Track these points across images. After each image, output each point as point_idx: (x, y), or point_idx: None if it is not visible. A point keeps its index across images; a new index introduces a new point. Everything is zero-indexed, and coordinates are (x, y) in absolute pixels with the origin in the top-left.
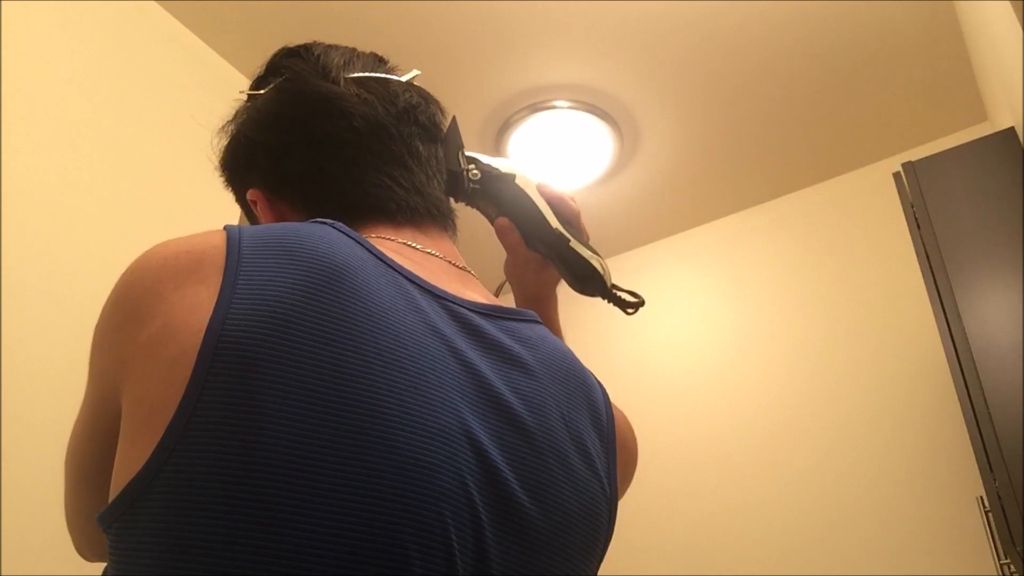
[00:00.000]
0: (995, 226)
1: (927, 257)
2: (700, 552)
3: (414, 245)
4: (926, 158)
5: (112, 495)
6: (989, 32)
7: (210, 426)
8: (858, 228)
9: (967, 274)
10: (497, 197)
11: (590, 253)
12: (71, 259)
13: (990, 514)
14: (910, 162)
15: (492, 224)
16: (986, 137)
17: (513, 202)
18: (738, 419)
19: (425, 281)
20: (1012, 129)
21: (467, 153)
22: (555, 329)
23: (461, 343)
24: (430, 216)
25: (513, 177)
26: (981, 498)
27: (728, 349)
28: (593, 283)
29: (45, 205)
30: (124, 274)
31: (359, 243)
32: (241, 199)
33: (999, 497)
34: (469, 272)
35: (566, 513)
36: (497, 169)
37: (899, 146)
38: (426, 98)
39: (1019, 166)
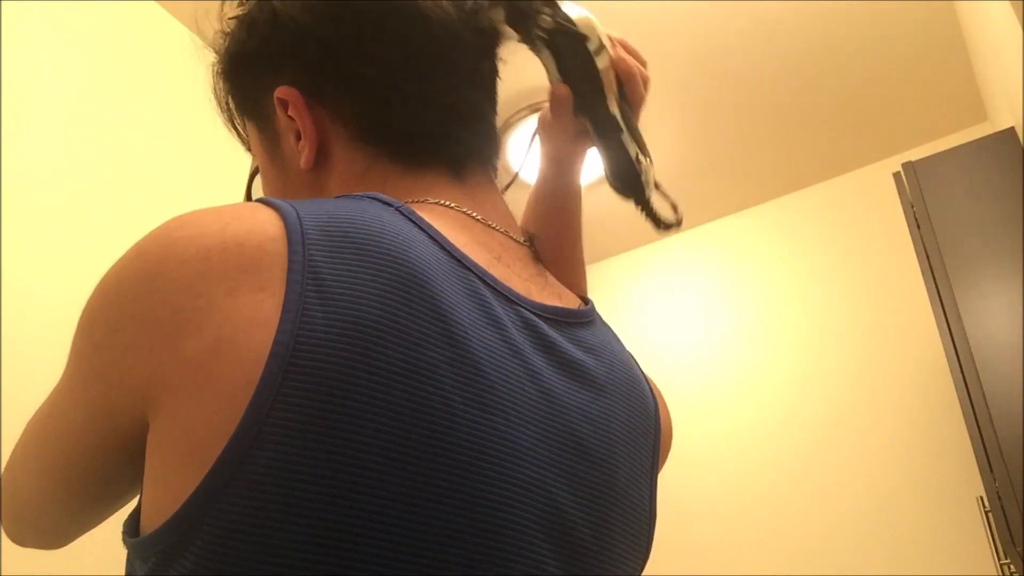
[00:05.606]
0: (995, 226)
1: (927, 257)
2: (699, 551)
3: (474, 215)
4: (926, 158)
5: (150, 523)
6: (989, 32)
7: (268, 465)
8: (858, 228)
9: (967, 274)
10: (561, 56)
11: (639, 153)
12: (72, 260)
13: (990, 514)
14: (910, 162)
15: (549, 80)
16: (986, 137)
17: (576, 68)
18: (737, 419)
19: (499, 282)
20: (1012, 129)
21: None
22: (575, 189)
23: (536, 361)
24: (481, 167)
25: (586, 40)
26: (981, 498)
27: (727, 349)
28: (628, 185)
29: (45, 204)
30: (144, 258)
31: (429, 235)
32: (252, 110)
33: (999, 497)
34: (528, 244)
35: (616, 543)
36: (573, 27)
37: (899, 146)
38: None
39: (1019, 166)
